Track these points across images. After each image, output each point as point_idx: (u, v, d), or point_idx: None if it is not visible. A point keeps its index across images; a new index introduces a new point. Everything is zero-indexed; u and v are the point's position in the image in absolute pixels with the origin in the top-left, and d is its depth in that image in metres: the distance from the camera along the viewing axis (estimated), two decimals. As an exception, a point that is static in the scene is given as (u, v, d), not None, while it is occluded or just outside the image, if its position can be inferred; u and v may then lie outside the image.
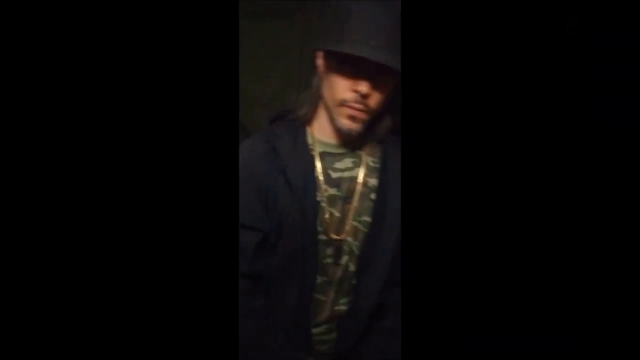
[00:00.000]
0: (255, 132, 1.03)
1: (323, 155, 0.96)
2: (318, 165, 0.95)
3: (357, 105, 0.89)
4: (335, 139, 0.97)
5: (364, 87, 0.87)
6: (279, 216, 0.92)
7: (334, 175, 0.95)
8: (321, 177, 0.94)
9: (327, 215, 0.93)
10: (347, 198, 0.95)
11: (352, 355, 0.96)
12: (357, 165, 0.97)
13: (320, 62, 0.93)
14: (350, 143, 0.96)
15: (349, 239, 0.94)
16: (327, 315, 0.97)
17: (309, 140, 0.96)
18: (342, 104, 0.89)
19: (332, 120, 0.93)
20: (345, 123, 0.90)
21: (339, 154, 0.96)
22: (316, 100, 0.96)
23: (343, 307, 0.97)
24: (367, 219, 0.95)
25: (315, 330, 0.97)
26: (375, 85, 0.88)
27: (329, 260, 0.95)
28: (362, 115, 0.90)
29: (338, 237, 0.94)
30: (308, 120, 0.98)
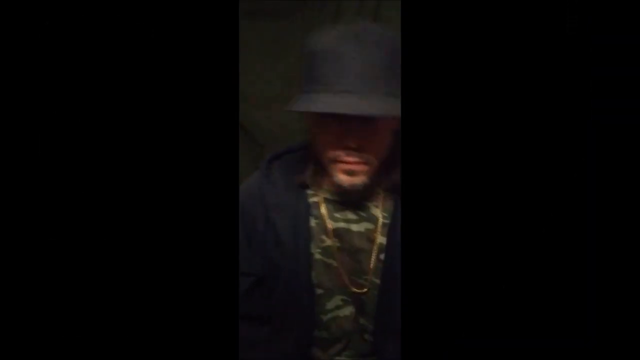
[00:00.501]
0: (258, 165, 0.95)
1: (326, 202, 0.87)
2: (319, 213, 0.86)
3: (351, 160, 0.78)
4: (338, 190, 0.85)
5: (352, 141, 0.76)
6: (271, 263, 0.86)
7: (334, 225, 0.86)
8: (318, 227, 0.86)
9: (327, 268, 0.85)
10: (350, 252, 0.86)
11: None
12: (363, 219, 0.86)
13: (306, 117, 0.83)
14: (356, 194, 0.84)
15: (369, 295, 0.86)
16: None
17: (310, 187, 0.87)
18: (335, 160, 0.79)
19: (331, 175, 0.82)
20: (344, 179, 0.79)
21: (342, 202, 0.87)
22: (314, 160, 0.85)
23: None
24: (373, 278, 0.86)
25: None
26: (368, 134, 0.76)
27: (330, 315, 0.87)
28: (362, 168, 0.78)
29: (357, 290, 0.85)
30: (313, 182, 0.87)
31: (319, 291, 0.87)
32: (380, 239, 0.86)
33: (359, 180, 0.79)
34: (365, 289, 0.86)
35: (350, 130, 0.76)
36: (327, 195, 0.87)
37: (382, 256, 0.86)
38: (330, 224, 0.86)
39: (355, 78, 0.73)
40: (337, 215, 0.87)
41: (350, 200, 0.86)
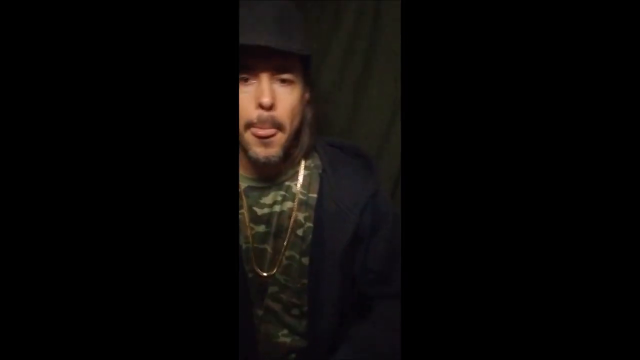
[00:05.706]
0: None
1: (248, 191, 0.89)
2: (242, 203, 0.88)
3: (264, 126, 0.80)
4: (256, 172, 0.89)
5: (265, 97, 0.78)
6: None
7: (260, 212, 0.89)
8: (246, 215, 0.88)
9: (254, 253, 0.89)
10: (278, 233, 0.90)
11: None
12: (285, 198, 0.91)
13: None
14: (273, 173, 0.89)
15: (279, 275, 0.91)
16: (282, 348, 0.94)
17: None
18: (248, 127, 0.81)
19: (245, 152, 0.84)
20: (259, 152, 0.82)
21: (265, 187, 0.90)
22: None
23: (299, 343, 0.94)
24: (295, 254, 0.90)
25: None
26: (279, 92, 0.80)
27: (270, 297, 0.92)
28: (273, 133, 0.81)
29: (265, 274, 0.90)
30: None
31: (251, 275, 0.91)
32: (301, 216, 0.90)
33: (273, 152, 0.82)
34: (290, 269, 0.90)
35: (263, 86, 0.79)
36: (248, 182, 0.90)
37: (300, 232, 0.90)
38: (256, 211, 0.89)
39: (269, 23, 0.79)
40: (262, 200, 0.90)
41: (269, 182, 0.89)
